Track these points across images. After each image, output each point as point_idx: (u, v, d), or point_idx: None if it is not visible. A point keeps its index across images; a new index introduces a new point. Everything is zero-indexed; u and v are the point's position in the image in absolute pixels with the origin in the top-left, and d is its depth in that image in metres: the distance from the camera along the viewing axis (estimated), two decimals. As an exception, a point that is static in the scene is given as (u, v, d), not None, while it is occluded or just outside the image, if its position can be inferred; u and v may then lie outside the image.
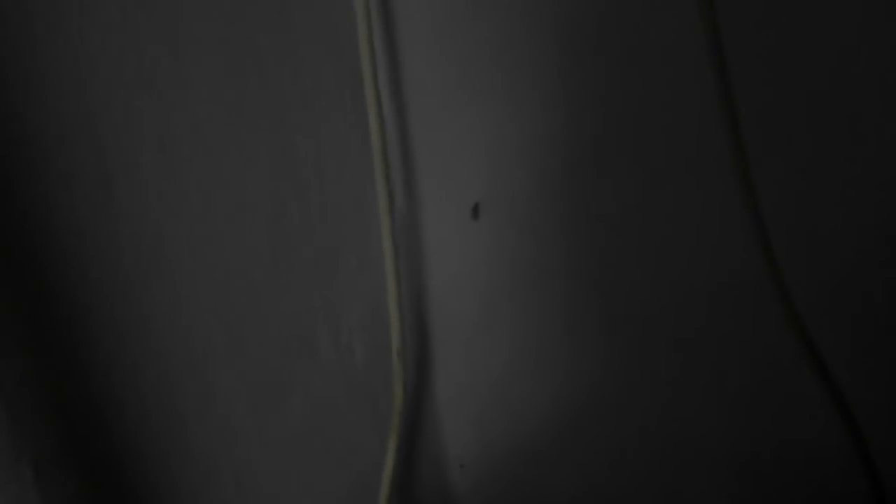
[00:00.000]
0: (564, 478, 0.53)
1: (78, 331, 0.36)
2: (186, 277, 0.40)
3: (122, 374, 0.38)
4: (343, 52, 0.44)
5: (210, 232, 0.41)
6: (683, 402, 0.50)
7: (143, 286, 0.38)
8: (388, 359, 0.49)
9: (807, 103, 0.43)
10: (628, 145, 0.46)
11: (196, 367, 0.41)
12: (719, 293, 0.47)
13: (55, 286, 0.35)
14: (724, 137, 0.40)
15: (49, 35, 0.33)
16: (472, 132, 0.47)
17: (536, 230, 0.48)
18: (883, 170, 0.44)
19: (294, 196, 0.44)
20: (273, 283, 0.44)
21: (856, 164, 0.44)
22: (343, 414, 0.48)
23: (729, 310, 0.47)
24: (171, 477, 0.42)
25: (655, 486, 0.52)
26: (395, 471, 0.48)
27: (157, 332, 0.39)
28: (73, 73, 0.34)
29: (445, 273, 0.50)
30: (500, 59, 0.45)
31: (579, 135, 0.46)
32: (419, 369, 0.51)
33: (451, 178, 0.48)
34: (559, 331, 0.50)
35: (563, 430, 0.52)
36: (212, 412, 0.43)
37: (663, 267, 0.48)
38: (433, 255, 0.50)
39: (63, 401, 0.36)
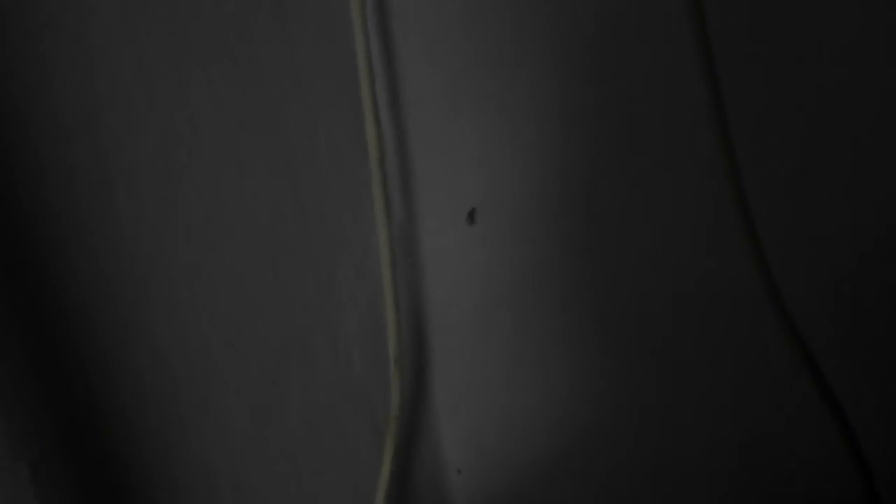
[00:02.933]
0: (562, 484, 0.53)
1: (75, 332, 0.36)
2: (183, 282, 0.40)
3: (119, 377, 0.39)
4: (340, 61, 0.44)
5: (207, 237, 0.41)
6: (679, 406, 0.50)
7: (140, 289, 0.39)
8: (385, 366, 0.49)
9: (798, 108, 0.43)
10: (623, 152, 0.46)
11: (193, 371, 0.42)
12: (713, 298, 0.47)
13: (53, 286, 0.35)
14: (715, 144, 0.40)
15: (50, 37, 0.34)
16: (469, 140, 0.47)
17: (534, 238, 0.49)
18: (874, 173, 0.44)
19: (292, 203, 0.45)
20: (270, 290, 0.45)
21: (847, 167, 0.44)
22: (340, 421, 0.49)
23: (722, 314, 0.47)
24: (168, 482, 0.42)
25: (652, 490, 0.52)
26: (392, 477, 0.48)
27: (154, 336, 0.40)
28: (73, 75, 0.34)
29: (443, 281, 0.50)
30: (495, 66, 0.46)
31: (575, 141, 0.46)
32: (417, 377, 0.51)
33: (449, 186, 0.48)
34: (556, 338, 0.50)
35: (561, 437, 0.52)
36: (209, 418, 0.43)
37: (659, 273, 0.48)
38: (431, 263, 0.50)
39: (60, 402, 0.36)
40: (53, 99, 0.34)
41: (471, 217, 0.48)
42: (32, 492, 0.35)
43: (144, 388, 0.40)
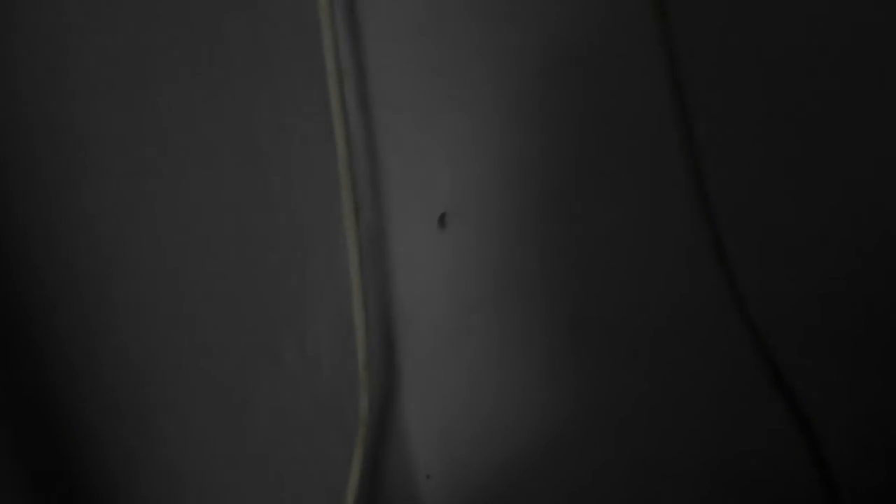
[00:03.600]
0: (533, 491, 0.53)
1: (34, 331, 0.36)
2: (146, 282, 0.40)
3: (79, 378, 0.38)
4: (311, 60, 0.44)
5: (172, 237, 0.41)
6: (654, 410, 0.50)
7: (103, 288, 0.38)
8: (354, 370, 0.49)
9: (767, 113, 0.44)
10: (594, 157, 0.46)
11: (156, 372, 0.41)
12: (683, 304, 0.47)
13: (12, 284, 0.34)
14: (680, 149, 0.41)
15: (10, 30, 0.33)
16: (441, 141, 0.47)
17: (506, 241, 0.49)
18: (843, 179, 0.45)
19: (260, 203, 0.44)
20: (237, 291, 0.44)
21: (816, 174, 0.44)
22: (308, 425, 0.48)
23: (692, 319, 0.47)
24: (131, 486, 0.41)
25: (625, 494, 0.51)
26: (362, 482, 0.48)
27: (117, 337, 0.39)
28: (35, 68, 0.34)
29: (413, 284, 0.50)
30: (468, 67, 0.46)
31: (547, 144, 0.46)
32: (386, 381, 0.51)
33: (420, 187, 0.48)
34: (529, 342, 0.50)
35: (533, 443, 0.52)
36: (173, 420, 0.42)
37: (631, 278, 0.48)
38: (401, 266, 0.50)
39: (16, 402, 0.35)
40: (15, 92, 0.34)
41: (441, 221, 0.48)
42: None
43: (106, 389, 0.39)
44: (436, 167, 0.48)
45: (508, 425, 0.52)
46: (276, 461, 0.47)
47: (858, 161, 0.44)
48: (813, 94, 0.43)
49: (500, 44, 0.45)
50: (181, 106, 0.40)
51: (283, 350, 0.46)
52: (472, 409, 0.52)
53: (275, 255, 0.45)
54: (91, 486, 0.39)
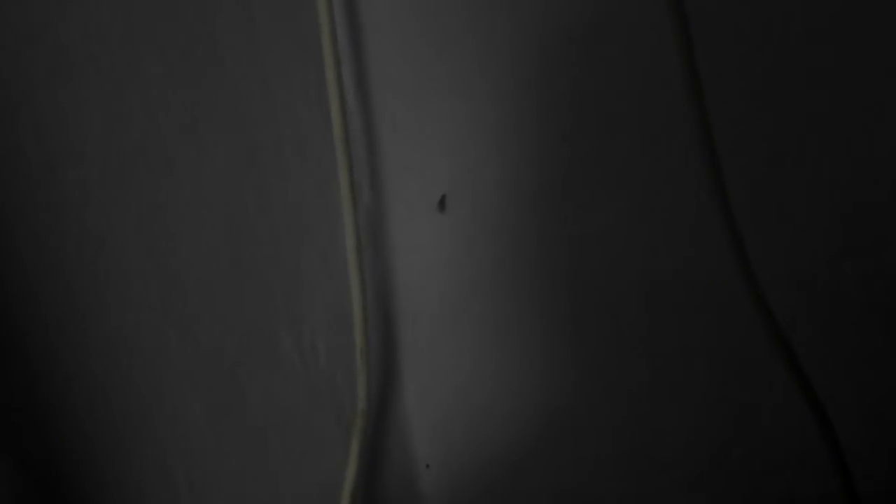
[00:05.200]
0: (532, 478, 0.52)
1: (16, 320, 0.34)
2: (134, 270, 0.38)
3: (67, 370, 0.37)
4: (305, 41, 0.42)
5: (162, 224, 0.39)
6: (655, 399, 0.49)
7: (89, 279, 0.36)
8: (352, 359, 0.48)
9: (781, 95, 0.43)
10: (599, 140, 0.45)
11: (146, 364, 0.40)
12: (690, 289, 0.46)
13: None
14: (694, 132, 0.39)
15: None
16: (440, 124, 0.46)
17: (506, 226, 0.47)
18: (857, 163, 0.43)
19: (253, 189, 0.43)
20: (230, 279, 0.43)
21: (830, 157, 0.43)
22: (305, 416, 0.47)
23: (701, 310, 0.46)
24: (121, 480, 0.40)
25: (625, 486, 0.51)
26: (360, 473, 0.47)
27: (105, 328, 0.38)
28: (13, 45, 0.32)
29: (411, 271, 0.49)
30: (467, 50, 0.44)
31: (549, 128, 0.45)
32: (384, 369, 0.50)
33: (419, 172, 0.47)
34: (529, 330, 0.49)
35: (532, 431, 0.51)
36: (163, 413, 0.41)
37: (635, 263, 0.47)
38: (399, 251, 0.49)
39: (2, 394, 0.34)
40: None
41: (441, 204, 0.47)
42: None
43: (95, 381, 0.38)
44: (436, 150, 0.46)
45: (507, 413, 0.51)
46: (270, 453, 0.46)
47: (876, 143, 0.43)
48: (832, 77, 0.42)
49: (504, 26, 0.43)
50: (169, 87, 0.38)
51: (278, 340, 0.45)
52: (470, 397, 0.51)
53: (271, 241, 0.44)
54: (81, 478, 0.38)
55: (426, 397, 0.51)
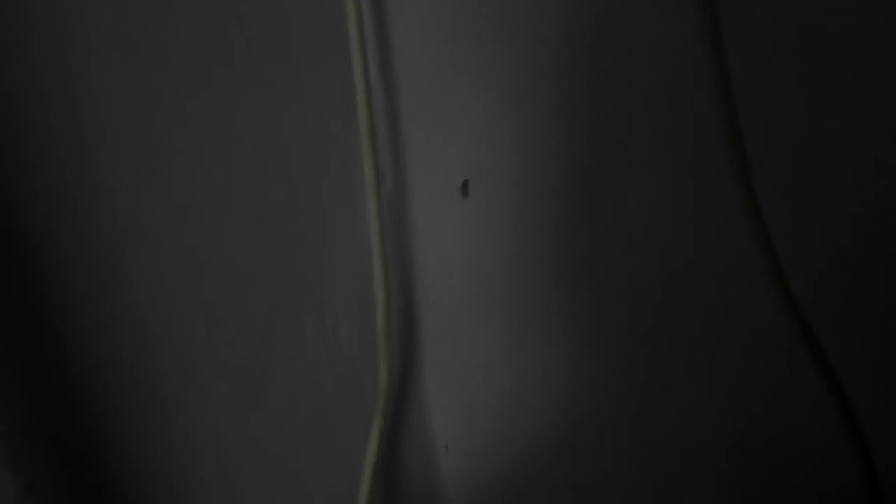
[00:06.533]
0: (552, 463, 0.52)
1: (49, 301, 0.35)
2: (163, 254, 0.39)
3: (97, 352, 0.37)
4: (330, 23, 0.42)
5: (190, 209, 0.40)
6: (677, 386, 0.49)
7: (120, 260, 0.37)
8: (374, 341, 0.48)
9: (803, 90, 0.42)
10: (622, 128, 0.45)
11: (175, 346, 0.40)
12: (712, 276, 0.46)
13: (28, 252, 0.34)
14: (717, 119, 0.39)
15: (30, 3, 0.32)
16: (464, 110, 0.46)
17: (529, 213, 0.47)
18: (881, 149, 0.43)
19: (279, 173, 0.43)
20: (255, 262, 0.43)
21: (853, 143, 0.43)
22: (327, 397, 0.48)
23: (723, 297, 0.46)
24: (150, 459, 0.41)
25: (645, 474, 0.51)
26: (380, 454, 0.48)
27: (135, 310, 0.38)
28: (49, 27, 0.32)
29: (434, 255, 0.49)
30: (492, 36, 0.44)
31: (572, 116, 0.45)
32: (406, 352, 0.50)
33: (443, 157, 0.47)
34: (550, 315, 0.49)
35: (552, 416, 0.51)
36: (191, 393, 0.42)
37: (657, 252, 0.47)
38: (422, 236, 0.49)
39: (36, 376, 0.35)
40: (30, 56, 0.32)
41: (464, 188, 0.47)
42: (8, 463, 0.34)
43: (124, 362, 0.39)
44: (460, 136, 0.46)
45: (527, 398, 0.52)
46: (292, 433, 0.46)
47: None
48: (862, 66, 0.41)
49: (531, 13, 0.43)
50: (197, 70, 0.38)
51: (302, 322, 0.46)
52: (490, 381, 0.52)
53: (295, 226, 0.44)
54: (110, 456, 0.39)
55: (447, 381, 0.51)
